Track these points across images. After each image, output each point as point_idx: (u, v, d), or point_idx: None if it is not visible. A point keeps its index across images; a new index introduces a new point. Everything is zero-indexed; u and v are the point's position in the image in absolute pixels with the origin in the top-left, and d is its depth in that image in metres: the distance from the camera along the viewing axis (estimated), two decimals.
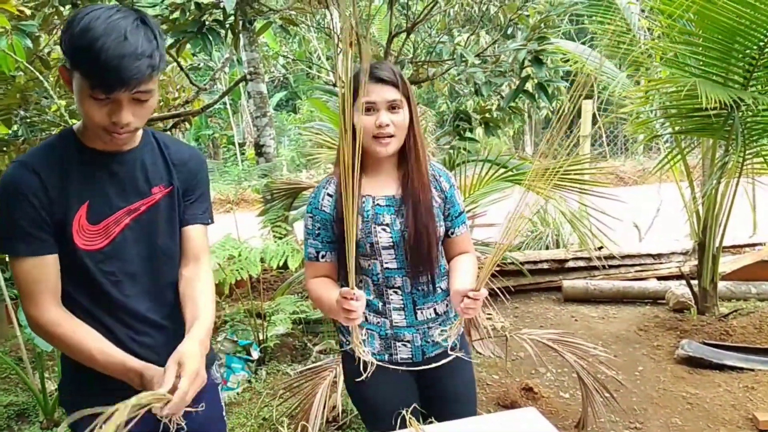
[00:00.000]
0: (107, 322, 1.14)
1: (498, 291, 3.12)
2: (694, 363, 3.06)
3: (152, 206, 1.17)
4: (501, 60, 3.23)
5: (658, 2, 3.01)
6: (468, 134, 3.59)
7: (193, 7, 2.76)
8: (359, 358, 1.35)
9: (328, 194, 1.43)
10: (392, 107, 1.35)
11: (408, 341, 1.45)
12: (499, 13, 3.58)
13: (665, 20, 3.24)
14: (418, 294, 1.45)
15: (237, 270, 2.45)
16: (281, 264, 2.48)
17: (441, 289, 1.48)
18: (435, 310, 1.47)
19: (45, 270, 1.08)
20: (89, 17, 0.98)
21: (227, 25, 3.01)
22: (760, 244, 4.67)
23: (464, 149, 3.56)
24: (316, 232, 1.43)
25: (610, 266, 4.52)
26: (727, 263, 4.15)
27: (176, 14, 2.80)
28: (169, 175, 1.20)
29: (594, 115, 5.78)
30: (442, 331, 1.48)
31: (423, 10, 3.13)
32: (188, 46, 2.95)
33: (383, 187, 1.44)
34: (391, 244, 1.41)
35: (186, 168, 1.24)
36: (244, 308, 3.06)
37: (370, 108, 1.35)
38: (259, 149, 4.93)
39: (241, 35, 4.62)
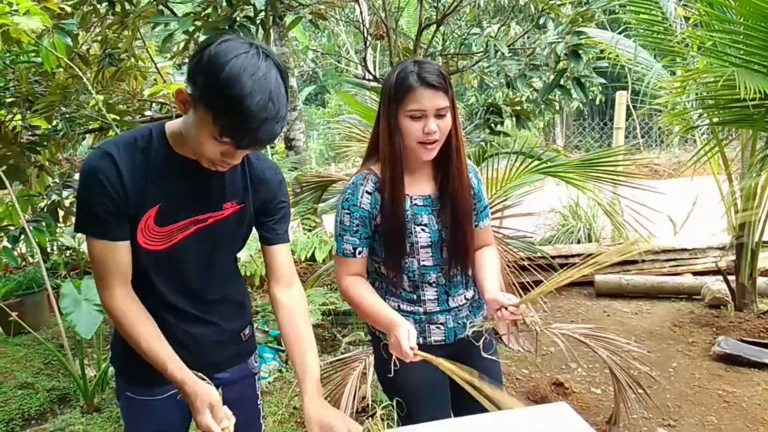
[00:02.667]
0: (156, 311, 1.17)
1: (528, 285, 3.09)
2: (731, 360, 2.98)
3: (220, 220, 1.19)
4: (536, 53, 3.18)
5: None
6: (499, 127, 3.57)
7: (224, 3, 2.80)
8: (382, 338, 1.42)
9: (367, 192, 1.42)
10: (439, 113, 1.34)
11: (441, 323, 1.49)
12: (531, 3, 3.53)
13: (704, 8, 3.14)
14: (450, 285, 1.50)
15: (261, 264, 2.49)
16: (309, 256, 2.51)
17: (467, 278, 1.53)
18: (465, 296, 1.53)
19: (117, 254, 1.10)
20: (238, 66, 0.94)
21: (258, 21, 3.05)
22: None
23: (495, 142, 3.53)
24: (354, 228, 1.43)
25: (644, 260, 4.44)
26: (767, 259, 4.02)
27: (208, 10, 2.84)
28: (245, 193, 1.21)
29: (628, 107, 5.66)
30: (471, 316, 1.52)
31: (453, 2, 3.10)
32: None
33: (420, 186, 1.45)
34: (429, 243, 1.44)
35: (264, 187, 1.24)
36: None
37: (418, 113, 1.33)
38: (289, 143, 4.98)
39: (271, 30, 4.66)
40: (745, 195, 3.40)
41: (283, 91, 0.99)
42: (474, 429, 1.33)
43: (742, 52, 3.03)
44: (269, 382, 2.88)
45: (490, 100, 3.65)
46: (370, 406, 2.17)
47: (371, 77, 3.33)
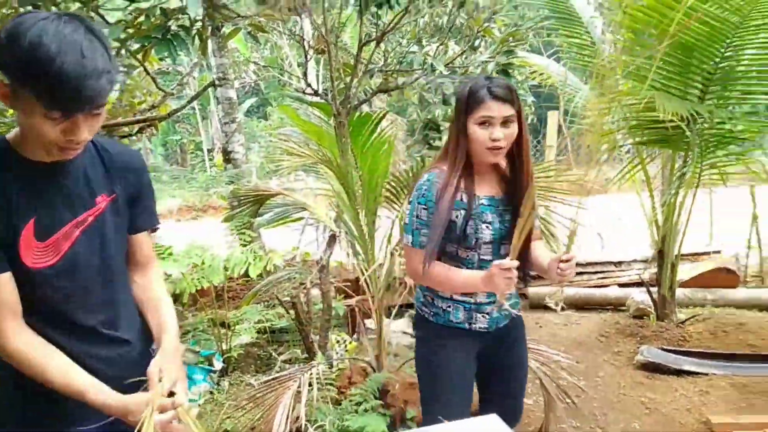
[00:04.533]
0: (61, 340, 1.09)
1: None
2: (652, 368, 3.14)
3: (99, 216, 1.13)
4: (469, 71, 3.28)
5: (621, 17, 3.11)
6: (437, 143, 3.64)
7: (158, 12, 2.72)
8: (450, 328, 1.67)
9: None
10: (505, 122, 1.52)
11: (487, 313, 1.68)
12: (467, 25, 3.64)
13: (628, 34, 3.34)
14: None
15: (199, 279, 2.41)
16: (242, 272, 2.46)
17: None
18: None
19: (1, 290, 1.02)
20: (37, 30, 0.90)
21: (194, 31, 2.98)
22: (717, 252, 4.83)
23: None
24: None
25: (582, 272, 4.62)
26: (686, 271, 4.28)
27: (141, 19, 2.75)
28: (111, 183, 1.16)
29: (560, 126, 5.93)
30: (511, 304, 1.69)
31: (393, 20, 3.15)
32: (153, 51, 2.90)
33: (486, 187, 1.64)
34: (491, 239, 1.61)
35: (127, 173, 1.19)
36: (207, 317, 3.01)
37: (486, 122, 1.51)
38: (227, 155, 4.88)
39: (209, 40, 4.56)
40: (665, 210, 3.61)
41: (100, 46, 0.96)
42: None
43: (661, 76, 3.24)
44: (200, 405, 2.78)
45: (425, 117, 3.72)
46: (304, 426, 2.13)
47: (312, 91, 3.31)
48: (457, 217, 1.59)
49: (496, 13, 3.36)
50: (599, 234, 5.33)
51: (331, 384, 2.45)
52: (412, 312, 3.68)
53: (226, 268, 2.50)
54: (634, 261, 4.66)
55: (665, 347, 3.28)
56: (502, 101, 1.50)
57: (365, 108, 3.90)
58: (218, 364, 2.87)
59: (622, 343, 3.53)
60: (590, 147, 3.52)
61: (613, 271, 4.61)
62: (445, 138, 3.66)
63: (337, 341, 2.98)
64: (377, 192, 3.10)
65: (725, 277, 4.26)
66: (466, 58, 3.75)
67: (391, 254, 2.83)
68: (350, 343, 2.99)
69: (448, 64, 3.35)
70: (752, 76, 3.15)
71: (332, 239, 2.73)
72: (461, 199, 1.59)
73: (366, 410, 2.28)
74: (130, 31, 2.74)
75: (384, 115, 3.38)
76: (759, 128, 3.33)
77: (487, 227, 1.60)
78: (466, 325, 1.67)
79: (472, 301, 1.66)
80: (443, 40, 3.82)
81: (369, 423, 2.09)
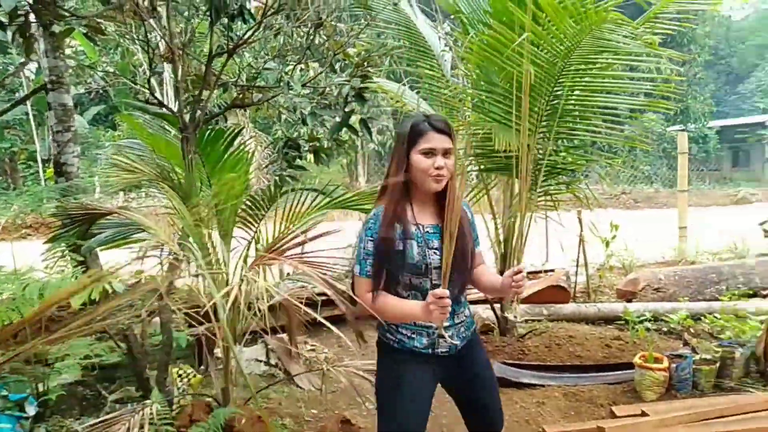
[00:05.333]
0: None
1: (323, 321, 3.09)
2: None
3: None
4: (327, 93, 3.28)
5: (464, 54, 3.32)
6: (297, 161, 3.58)
7: None
8: (414, 353, 1.76)
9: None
10: (446, 153, 1.68)
11: (449, 336, 1.78)
12: (326, 47, 3.65)
13: (474, 69, 3.59)
14: (455, 303, 1.76)
15: (8, 310, 2.06)
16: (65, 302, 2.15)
17: (465, 299, 1.87)
18: (465, 314, 1.86)
19: None
20: None
21: (15, 27, 2.62)
22: (551, 270, 5.34)
23: (292, 178, 3.52)
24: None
25: None
26: (525, 288, 4.65)
27: None
28: None
29: None
30: (466, 332, 1.85)
31: (246, 33, 3.05)
32: None
33: (428, 215, 1.76)
34: (440, 264, 1.68)
35: None
36: (19, 354, 2.58)
37: (429, 152, 1.66)
38: (59, 167, 4.33)
39: (41, 40, 4.06)
40: (506, 232, 3.90)
41: None
42: None
43: (501, 110, 3.52)
44: None
45: (289, 135, 3.65)
46: None
47: (156, 101, 3.07)
48: (404, 246, 1.70)
49: (357, 38, 3.41)
50: None
51: (169, 424, 2.23)
52: (268, 339, 3.53)
53: (41, 295, 2.17)
54: None
55: (506, 361, 3.50)
56: (443, 133, 1.67)
57: (231, 123, 3.72)
58: (31, 409, 2.47)
59: None
60: None
61: None
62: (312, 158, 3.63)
63: (179, 375, 2.73)
64: (232, 211, 2.95)
65: (558, 293, 4.71)
66: (325, 78, 3.76)
67: (242, 278, 2.69)
68: (194, 376, 2.77)
69: (305, 84, 3.32)
70: (576, 115, 3.55)
71: (174, 263, 2.51)
72: (405, 229, 1.70)
73: None
74: None
75: (239, 131, 3.24)
76: (583, 161, 3.76)
77: (434, 253, 1.71)
78: (430, 351, 1.77)
79: (434, 326, 1.75)
80: (302, 59, 3.79)
81: None
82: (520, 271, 1.68)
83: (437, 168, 1.66)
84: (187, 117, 2.86)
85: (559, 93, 3.39)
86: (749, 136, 23.36)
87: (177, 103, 2.95)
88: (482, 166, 3.67)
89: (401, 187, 1.70)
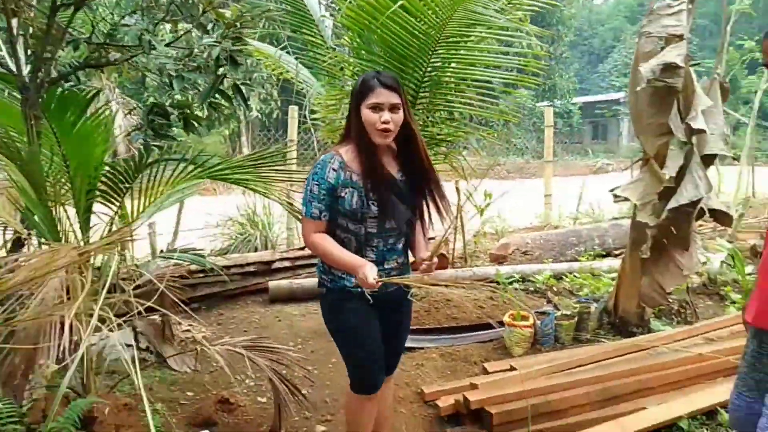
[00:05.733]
0: None
1: (200, 299, 2.93)
2: None
3: None
4: (195, 54, 3.04)
5: (343, 20, 3.24)
6: (166, 131, 3.31)
7: None
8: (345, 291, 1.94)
9: (333, 169, 1.84)
10: (392, 108, 1.78)
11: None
12: (195, 3, 3.37)
13: (354, 37, 3.52)
14: (387, 252, 1.95)
15: None
16: None
17: (402, 247, 2.04)
18: (398, 261, 2.02)
19: None
20: None
21: None
22: (432, 238, 5.52)
23: (159, 147, 3.25)
24: (321, 197, 1.84)
25: (314, 264, 4.76)
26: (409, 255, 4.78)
27: None
28: None
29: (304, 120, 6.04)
30: (399, 275, 2.00)
31: None
32: None
33: (395, 166, 1.93)
34: (377, 215, 1.86)
35: None
36: None
37: (376, 107, 1.77)
38: None
39: None
40: None
41: None
42: None
43: None
44: None
45: (158, 101, 3.35)
46: None
47: None
48: (345, 194, 1.84)
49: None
50: None
51: (17, 422, 2.00)
52: (137, 322, 3.28)
53: None
54: None
55: None
56: (391, 89, 1.76)
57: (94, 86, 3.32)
58: None
59: None
60: (324, 141, 3.63)
61: None
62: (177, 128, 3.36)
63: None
64: (90, 185, 2.66)
65: (439, 259, 4.89)
66: (194, 38, 3.48)
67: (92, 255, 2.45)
68: (47, 366, 2.49)
69: (170, 44, 3.05)
70: (453, 87, 3.63)
71: (17, 242, 2.22)
72: (350, 178, 1.84)
73: None
74: None
75: (95, 94, 2.90)
76: (461, 133, 3.87)
77: (373, 204, 1.84)
78: (359, 289, 1.87)
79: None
80: (166, 16, 3.48)
81: None
82: (431, 258, 1.88)
83: (384, 122, 1.76)
84: (30, 77, 2.51)
85: (437, 64, 3.43)
86: (607, 112, 25.88)
87: (14, 60, 2.57)
88: None
89: (356, 135, 1.82)
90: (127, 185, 2.84)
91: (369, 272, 1.73)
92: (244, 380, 2.99)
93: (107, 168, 2.84)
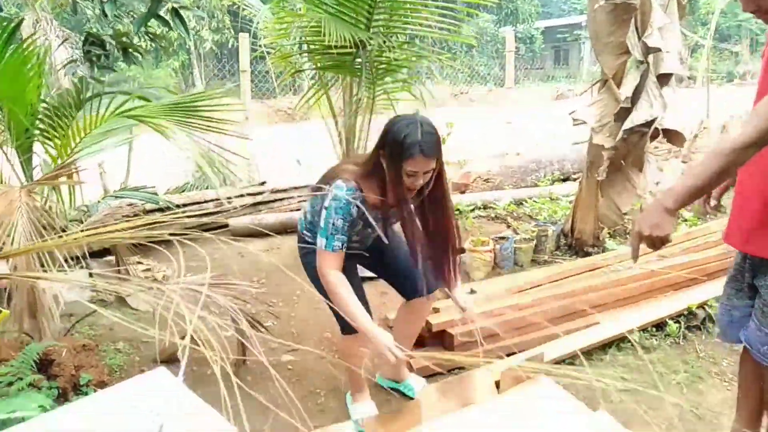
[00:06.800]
0: None
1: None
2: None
3: None
4: None
5: None
6: (105, 62, 3.10)
7: None
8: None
9: (356, 204, 1.80)
10: (426, 172, 1.76)
11: None
12: None
13: None
14: None
15: None
16: None
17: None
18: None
19: None
20: None
21: None
22: None
23: (96, 80, 3.05)
24: (344, 230, 1.81)
25: (275, 200, 4.70)
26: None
27: None
28: None
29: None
30: None
31: None
32: None
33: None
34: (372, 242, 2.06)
35: None
36: None
37: (413, 173, 1.73)
38: None
39: None
40: (346, 135, 3.86)
41: None
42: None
43: (334, 2, 3.31)
44: None
45: (93, 31, 3.11)
46: None
47: None
48: (359, 224, 1.88)
49: None
50: (298, 160, 5.52)
51: None
52: (90, 263, 3.20)
53: None
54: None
55: None
56: (430, 157, 1.71)
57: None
58: None
59: None
60: (273, 71, 3.47)
61: (310, 195, 4.82)
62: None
63: None
64: (27, 123, 2.49)
65: None
66: None
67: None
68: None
69: None
70: (409, 8, 3.47)
71: None
72: (367, 209, 1.82)
73: (20, 389, 1.89)
74: None
75: (19, 23, 2.66)
76: (415, 57, 3.75)
77: (372, 231, 1.94)
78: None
79: None
80: None
81: (21, 405, 1.72)
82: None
83: (414, 185, 1.76)
84: None
85: None
86: (569, 36, 25.60)
87: None
88: (318, 64, 3.49)
89: (378, 179, 1.79)
90: (67, 122, 2.67)
91: (394, 348, 1.73)
92: (207, 316, 2.98)
93: (44, 105, 2.66)
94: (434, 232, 1.93)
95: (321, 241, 1.82)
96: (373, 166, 1.82)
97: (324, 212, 1.81)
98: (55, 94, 2.88)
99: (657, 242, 1.47)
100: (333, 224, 1.79)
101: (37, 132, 2.65)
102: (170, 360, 2.49)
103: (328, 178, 1.89)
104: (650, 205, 1.51)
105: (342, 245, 1.82)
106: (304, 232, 2.05)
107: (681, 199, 1.43)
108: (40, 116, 2.62)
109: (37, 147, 2.72)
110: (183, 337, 2.67)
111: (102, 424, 1.13)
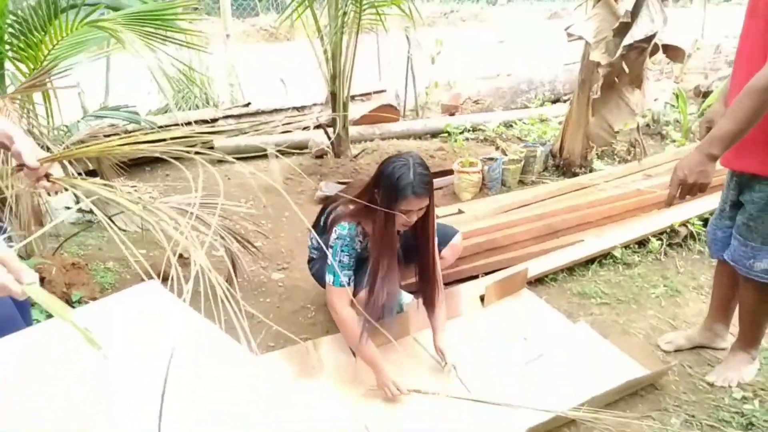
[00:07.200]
0: None
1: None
2: (330, 201, 3.42)
3: None
4: None
5: None
6: None
7: None
8: None
9: (359, 240, 1.95)
10: (420, 209, 1.85)
11: None
12: None
13: None
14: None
15: None
16: None
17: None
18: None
19: None
20: None
21: None
22: (383, 91, 5.36)
23: None
24: (351, 265, 1.94)
25: (262, 122, 4.60)
26: (357, 110, 4.66)
27: None
28: None
29: None
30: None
31: None
32: None
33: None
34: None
35: None
36: None
37: (406, 212, 1.82)
38: None
39: None
40: (332, 52, 3.72)
41: None
42: None
43: None
44: None
45: None
46: None
47: None
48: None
49: None
50: (282, 80, 5.35)
51: None
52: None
53: None
54: (315, 105, 4.84)
55: (340, 180, 3.59)
56: (423, 198, 1.80)
57: None
58: None
59: (305, 183, 3.74)
60: None
61: (295, 116, 4.73)
62: None
63: None
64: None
65: (389, 112, 4.80)
66: None
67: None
68: None
69: None
70: None
71: None
72: (368, 243, 1.96)
73: None
74: None
75: None
76: None
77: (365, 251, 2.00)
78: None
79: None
80: None
81: None
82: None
83: (407, 222, 1.85)
84: None
85: None
86: None
87: None
88: None
89: (385, 234, 1.85)
90: (39, 36, 2.53)
91: (391, 385, 1.83)
92: (198, 236, 2.99)
93: (12, 16, 2.51)
94: (418, 263, 2.03)
95: (329, 278, 1.94)
96: (370, 202, 1.91)
97: (330, 251, 1.94)
98: (26, 7, 2.71)
99: (698, 189, 1.54)
100: (339, 261, 1.93)
101: (7, 47, 2.52)
102: (162, 277, 2.53)
103: (332, 222, 1.98)
104: (692, 153, 1.54)
105: (349, 280, 1.93)
106: (312, 251, 2.30)
107: (725, 145, 1.49)
108: (9, 30, 2.48)
109: (9, 66, 2.61)
110: (175, 254, 2.69)
111: (106, 328, 1.14)
